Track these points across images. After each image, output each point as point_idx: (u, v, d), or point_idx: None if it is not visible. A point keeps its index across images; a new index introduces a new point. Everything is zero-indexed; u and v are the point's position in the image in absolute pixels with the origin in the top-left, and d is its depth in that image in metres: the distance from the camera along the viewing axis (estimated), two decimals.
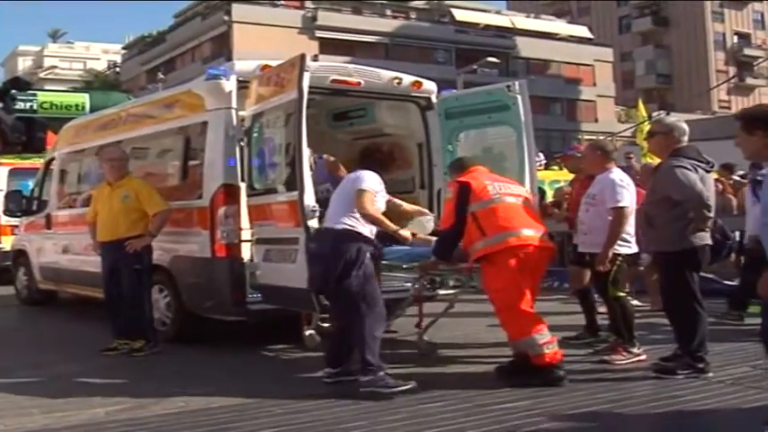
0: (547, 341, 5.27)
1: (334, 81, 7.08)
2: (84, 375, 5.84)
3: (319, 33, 48.50)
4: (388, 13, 56.40)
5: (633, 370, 5.62)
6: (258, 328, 7.17)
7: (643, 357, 5.86)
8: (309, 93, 5.90)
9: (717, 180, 8.30)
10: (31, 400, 5.12)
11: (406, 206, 6.43)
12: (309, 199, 5.79)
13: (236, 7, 47.25)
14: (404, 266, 6.21)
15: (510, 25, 57.56)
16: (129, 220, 6.75)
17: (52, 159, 10.03)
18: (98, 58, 79.17)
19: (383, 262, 6.09)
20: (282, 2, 51.39)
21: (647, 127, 12.43)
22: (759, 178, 7.07)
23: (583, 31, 61.09)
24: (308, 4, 51.28)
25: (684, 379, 5.23)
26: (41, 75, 60.43)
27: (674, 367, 5.36)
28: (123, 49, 67.79)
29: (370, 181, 5.29)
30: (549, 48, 56.77)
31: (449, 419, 4.51)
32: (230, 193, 6.59)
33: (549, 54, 56.93)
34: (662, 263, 5.52)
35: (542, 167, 11.78)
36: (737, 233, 8.77)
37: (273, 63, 6.54)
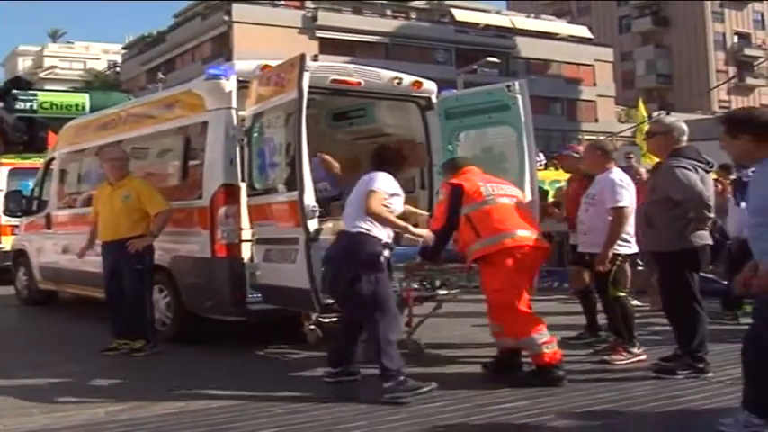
0: (546, 341, 5.28)
1: (334, 81, 7.08)
2: (85, 375, 5.84)
3: (319, 33, 48.49)
4: (389, 13, 56.39)
5: (633, 370, 5.62)
6: (258, 328, 7.17)
7: (643, 357, 5.86)
8: (309, 93, 5.91)
9: (716, 180, 8.29)
10: (31, 399, 5.12)
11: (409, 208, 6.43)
12: (309, 199, 5.79)
13: (236, 7, 47.25)
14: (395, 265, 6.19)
15: (510, 25, 57.55)
16: (130, 220, 6.75)
17: (52, 159, 10.04)
18: (98, 58, 79.17)
19: None
20: (282, 2, 51.39)
21: (646, 127, 12.42)
22: (745, 179, 7.10)
23: (583, 31, 61.09)
24: (309, 4, 51.28)
25: (684, 379, 5.23)
26: (41, 75, 60.47)
27: (673, 367, 5.36)
28: (123, 49, 67.80)
29: (382, 182, 5.20)
30: (550, 48, 56.76)
31: (449, 419, 4.51)
32: (230, 193, 6.59)
33: (550, 54, 56.93)
34: (662, 263, 5.52)
35: (543, 167, 11.76)
36: None
37: (273, 63, 6.54)
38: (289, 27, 46.88)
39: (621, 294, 6.02)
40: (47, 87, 26.46)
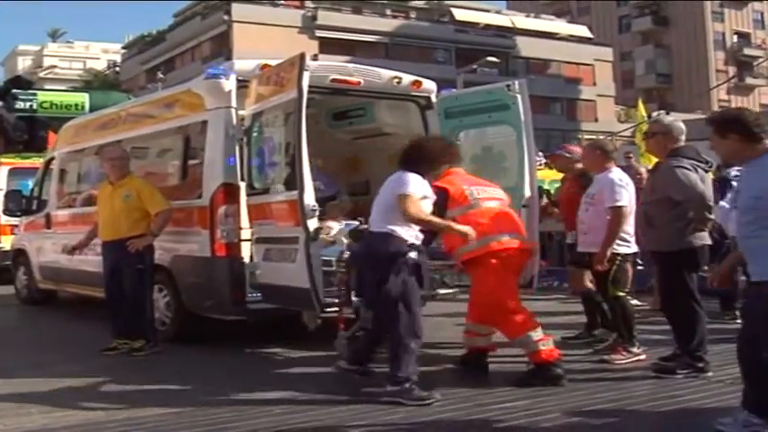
0: (541, 338, 5.29)
1: (333, 80, 7.08)
2: (84, 375, 5.84)
3: (319, 33, 48.48)
4: (388, 12, 56.40)
5: (633, 369, 5.62)
6: (258, 327, 7.17)
7: (643, 357, 5.86)
8: (309, 92, 5.90)
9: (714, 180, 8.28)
10: (31, 399, 5.11)
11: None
12: (309, 198, 5.78)
13: (235, 7, 47.24)
14: None
15: (510, 25, 57.55)
16: (130, 219, 6.74)
17: (52, 159, 10.03)
18: (98, 58, 79.15)
19: None
20: (282, 1, 51.39)
21: (645, 127, 12.41)
22: (731, 179, 7.11)
23: (583, 31, 61.09)
24: (308, 4, 51.28)
25: (684, 378, 5.23)
26: (41, 74, 60.51)
27: (673, 367, 5.37)
28: (123, 48, 67.80)
29: (413, 185, 5.05)
30: (549, 47, 56.76)
31: (449, 419, 4.51)
32: (230, 192, 6.58)
33: (549, 54, 56.93)
34: (661, 263, 5.52)
35: (542, 167, 11.76)
36: None
37: (273, 62, 6.53)
38: (288, 26, 46.88)
39: (621, 294, 6.02)
40: (46, 87, 26.50)
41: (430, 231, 5.47)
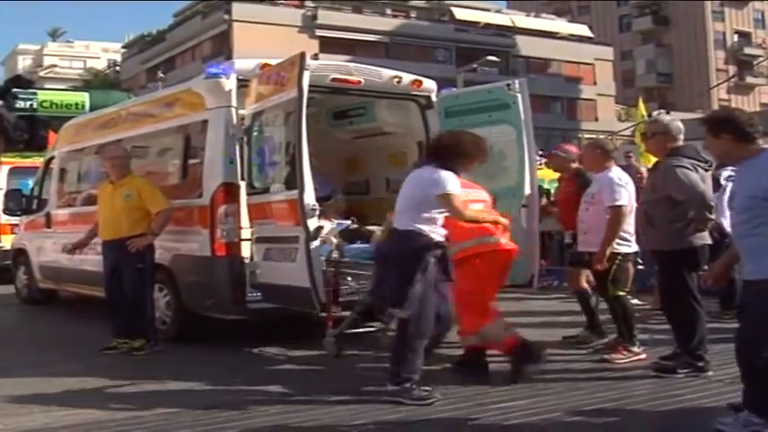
0: (501, 328, 5.34)
1: (334, 80, 7.08)
2: (84, 374, 5.84)
3: (319, 32, 48.47)
4: (389, 11, 56.38)
5: (633, 369, 5.62)
6: (258, 326, 7.17)
7: (643, 356, 5.86)
8: (309, 91, 5.91)
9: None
10: (31, 398, 5.12)
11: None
12: (309, 198, 5.79)
13: (236, 6, 47.22)
14: (362, 263, 6.16)
15: (510, 24, 57.52)
16: (131, 218, 6.74)
17: (52, 158, 10.03)
18: (98, 57, 79.10)
19: (345, 260, 6.13)
20: (283, 1, 51.34)
21: (642, 128, 12.39)
22: (722, 179, 7.10)
23: (583, 30, 61.07)
24: (309, 3, 51.24)
25: (684, 378, 5.23)
26: (41, 73, 60.53)
27: (673, 366, 5.36)
28: (123, 47, 67.77)
29: (452, 182, 4.93)
30: (550, 46, 56.74)
31: (449, 418, 4.51)
32: (230, 191, 6.59)
33: (550, 53, 56.91)
34: (661, 262, 5.52)
35: (542, 166, 11.75)
36: None
37: (273, 62, 6.54)
38: (289, 26, 46.86)
39: (621, 293, 6.02)
40: (47, 86, 26.52)
41: None
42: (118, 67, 65.77)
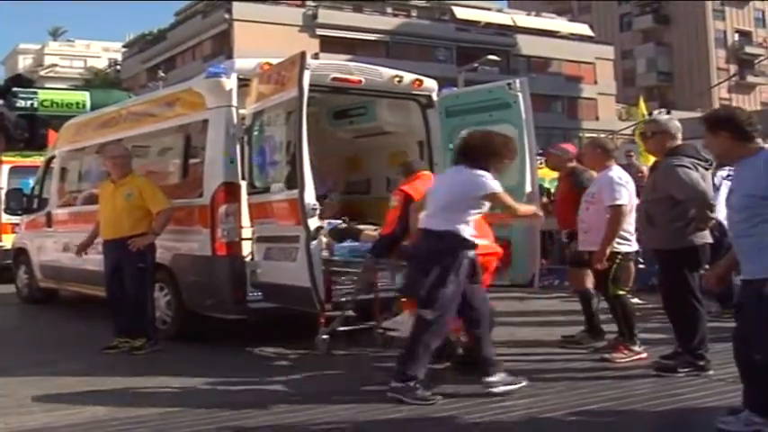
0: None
1: (334, 79, 7.07)
2: (85, 374, 5.84)
3: (320, 31, 48.45)
4: (389, 11, 56.33)
5: (634, 368, 5.62)
6: (259, 326, 7.17)
7: (644, 355, 5.86)
8: (310, 91, 5.91)
9: None
10: (32, 398, 5.12)
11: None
12: (310, 197, 5.79)
13: (236, 5, 47.19)
14: (350, 260, 6.23)
15: (511, 23, 57.49)
16: (132, 218, 6.74)
17: (53, 157, 10.03)
18: (98, 57, 79.04)
19: (335, 258, 6.16)
20: (283, 0, 51.33)
21: (641, 128, 12.39)
22: (719, 179, 7.10)
23: (584, 29, 61.03)
24: (309, 2, 51.20)
25: (685, 377, 5.23)
26: (42, 73, 60.53)
27: (674, 365, 5.36)
28: (124, 47, 67.76)
29: (495, 182, 4.92)
30: (550, 46, 56.72)
31: (449, 417, 4.52)
32: (231, 191, 6.59)
33: (550, 52, 56.88)
34: (662, 261, 5.52)
35: (542, 165, 11.75)
36: None
37: (274, 61, 6.54)
38: (289, 25, 46.84)
39: (622, 293, 6.02)
40: (47, 85, 26.51)
41: (393, 241, 5.77)
42: (118, 67, 65.77)
